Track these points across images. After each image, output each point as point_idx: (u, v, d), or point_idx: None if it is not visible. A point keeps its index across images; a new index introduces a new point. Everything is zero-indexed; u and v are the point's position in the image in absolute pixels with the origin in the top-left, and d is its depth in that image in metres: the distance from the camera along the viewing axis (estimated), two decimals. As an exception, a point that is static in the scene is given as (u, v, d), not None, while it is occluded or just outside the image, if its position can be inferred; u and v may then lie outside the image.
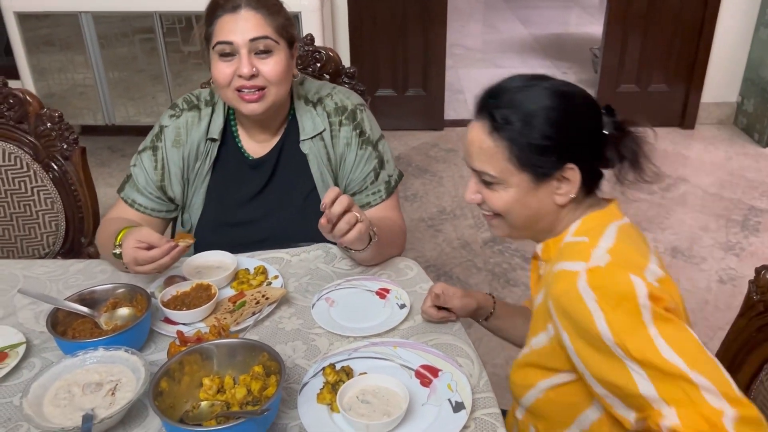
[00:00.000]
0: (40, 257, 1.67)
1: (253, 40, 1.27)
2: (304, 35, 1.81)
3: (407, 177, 3.52)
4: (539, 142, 0.96)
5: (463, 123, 4.27)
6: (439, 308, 1.17)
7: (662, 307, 0.86)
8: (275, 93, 1.32)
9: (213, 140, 1.41)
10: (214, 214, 1.44)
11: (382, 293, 1.25)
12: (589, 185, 1.02)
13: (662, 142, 3.88)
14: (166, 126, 1.42)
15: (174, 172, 1.41)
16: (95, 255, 1.68)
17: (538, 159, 0.96)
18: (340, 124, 1.42)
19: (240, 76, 1.28)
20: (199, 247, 1.41)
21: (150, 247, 1.18)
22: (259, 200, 1.45)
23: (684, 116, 4.03)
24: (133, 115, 3.75)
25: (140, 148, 1.44)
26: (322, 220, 1.17)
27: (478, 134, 0.99)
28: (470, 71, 5.28)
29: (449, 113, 4.26)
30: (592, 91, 4.55)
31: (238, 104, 1.32)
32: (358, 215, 1.18)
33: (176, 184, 1.42)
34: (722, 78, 3.94)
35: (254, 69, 1.28)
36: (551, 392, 1.00)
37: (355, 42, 3.87)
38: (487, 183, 1.01)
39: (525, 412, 1.07)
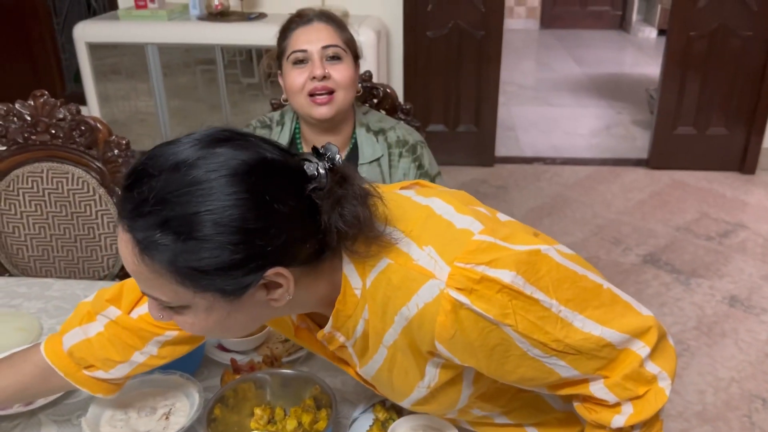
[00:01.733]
0: (100, 278, 1.72)
1: (325, 47, 1.40)
2: (362, 71, 1.85)
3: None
4: (211, 263, 0.67)
5: (513, 160, 4.26)
6: None
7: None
8: (343, 97, 1.42)
9: None
10: None
11: (434, 331, 1.24)
12: (316, 260, 0.75)
13: (720, 187, 3.78)
14: None
15: None
16: (152, 278, 1.73)
17: (218, 281, 0.69)
18: (400, 155, 1.47)
19: (313, 78, 1.39)
20: None
21: None
22: None
23: (744, 161, 3.93)
24: (191, 142, 3.86)
25: None
26: None
27: (127, 252, 0.69)
28: (522, 109, 5.27)
29: (500, 150, 4.26)
30: (647, 134, 4.51)
31: (310, 109, 1.42)
32: None
33: None
34: (785, 123, 3.83)
35: (326, 71, 1.39)
36: (478, 383, 0.86)
37: (408, 77, 3.92)
38: (169, 307, 0.73)
39: (459, 412, 0.93)
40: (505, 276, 0.72)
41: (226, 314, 0.73)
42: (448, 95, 4.00)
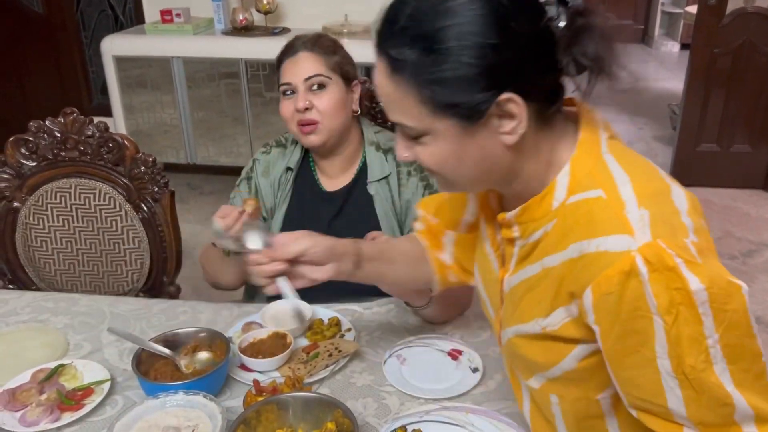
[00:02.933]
0: (124, 293, 1.75)
1: (307, 78, 1.45)
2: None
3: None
4: (451, 74, 0.73)
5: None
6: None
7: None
8: (328, 124, 1.46)
9: (290, 170, 1.56)
10: None
11: (455, 354, 1.24)
12: (547, 106, 0.79)
13: (744, 205, 3.74)
14: (258, 159, 1.59)
15: (265, 196, 1.57)
16: (175, 294, 1.75)
17: (456, 95, 0.74)
18: (409, 174, 1.51)
19: (297, 111, 1.44)
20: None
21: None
22: (329, 232, 1.50)
23: (768, 178, 3.88)
24: (214, 155, 3.90)
25: (237, 182, 1.61)
26: None
27: (379, 78, 0.79)
28: (543, 123, 5.25)
29: (520, 165, 4.24)
30: (669, 150, 4.47)
31: (299, 137, 1.49)
32: None
33: (269, 207, 1.58)
34: (811, 141, 3.78)
35: (308, 102, 1.44)
36: (584, 362, 0.83)
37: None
38: (413, 137, 0.80)
39: (545, 381, 0.89)
40: (694, 283, 0.70)
41: (460, 144, 0.77)
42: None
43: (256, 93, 3.68)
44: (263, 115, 3.76)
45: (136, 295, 1.76)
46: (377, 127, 1.62)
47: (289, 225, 1.54)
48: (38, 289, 1.78)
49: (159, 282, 1.76)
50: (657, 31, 7.62)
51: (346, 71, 1.50)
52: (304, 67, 1.45)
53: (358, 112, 1.54)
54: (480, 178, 0.83)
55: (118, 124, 3.96)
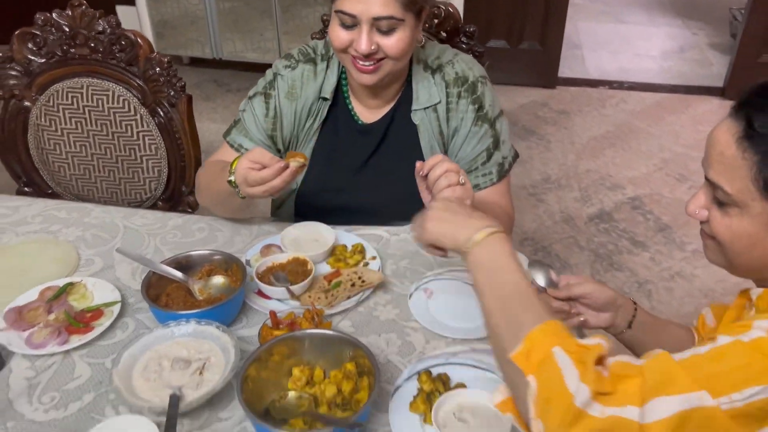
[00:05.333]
0: (142, 201, 1.68)
1: (376, 18, 1.16)
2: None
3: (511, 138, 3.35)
4: None
5: (577, 82, 4.00)
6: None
7: None
8: (392, 65, 1.23)
9: (324, 99, 1.33)
10: (317, 177, 1.38)
11: (487, 290, 1.15)
12: None
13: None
14: (280, 75, 1.34)
15: (286, 124, 1.34)
16: (194, 204, 1.67)
17: None
18: (459, 96, 1.31)
19: (357, 50, 1.19)
20: (299, 210, 1.39)
21: (263, 168, 1.11)
22: (365, 168, 1.37)
23: (833, 95, 3.59)
24: (240, 50, 3.73)
25: (251, 93, 1.37)
26: (418, 164, 1.09)
27: (724, 136, 0.79)
28: (590, 25, 4.92)
29: (564, 70, 4.00)
30: (725, 59, 4.15)
31: (352, 70, 1.24)
32: (462, 180, 1.06)
33: (287, 136, 1.36)
34: None
35: (373, 46, 1.18)
36: None
37: (470, -13, 3.65)
38: (720, 201, 0.81)
39: None
40: None
41: (760, 232, 0.78)
42: (514, 8, 3.73)
43: (285, -17, 3.46)
44: (293, 8, 3.55)
45: (155, 204, 1.69)
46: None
47: (319, 163, 1.36)
48: (54, 194, 1.72)
49: (178, 192, 1.67)
50: (723, -77, 6.95)
51: (422, 5, 1.22)
52: (375, 2, 1.15)
53: (422, 42, 1.30)
54: (755, 269, 0.83)
55: (141, 13, 3.80)
